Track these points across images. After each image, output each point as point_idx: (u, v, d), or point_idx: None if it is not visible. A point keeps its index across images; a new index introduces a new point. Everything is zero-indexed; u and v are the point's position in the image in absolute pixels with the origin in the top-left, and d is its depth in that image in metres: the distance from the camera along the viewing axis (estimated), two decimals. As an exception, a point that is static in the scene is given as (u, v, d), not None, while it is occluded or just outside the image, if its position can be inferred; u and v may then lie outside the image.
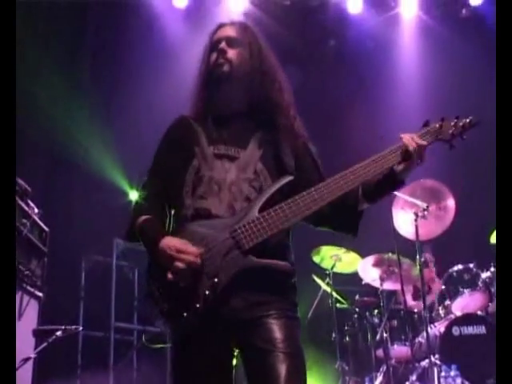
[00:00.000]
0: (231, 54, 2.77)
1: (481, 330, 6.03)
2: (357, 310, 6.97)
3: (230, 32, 2.84)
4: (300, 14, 8.69)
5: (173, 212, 2.69)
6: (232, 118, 2.78)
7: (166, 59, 8.09)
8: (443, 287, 6.58)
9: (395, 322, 6.46)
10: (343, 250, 6.73)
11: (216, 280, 2.41)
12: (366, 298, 7.11)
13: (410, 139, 2.65)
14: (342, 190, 2.56)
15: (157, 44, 8.15)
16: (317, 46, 9.11)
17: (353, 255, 6.79)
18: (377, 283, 6.62)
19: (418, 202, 6.15)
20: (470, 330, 6.02)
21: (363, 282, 6.79)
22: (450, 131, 2.77)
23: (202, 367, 2.46)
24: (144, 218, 2.63)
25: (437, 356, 5.82)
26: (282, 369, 2.35)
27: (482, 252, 6.84)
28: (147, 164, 2.83)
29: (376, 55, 8.82)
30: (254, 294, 2.47)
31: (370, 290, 6.99)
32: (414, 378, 5.72)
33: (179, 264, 2.40)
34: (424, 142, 2.66)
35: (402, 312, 6.50)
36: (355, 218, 2.75)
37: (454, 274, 6.55)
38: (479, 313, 6.27)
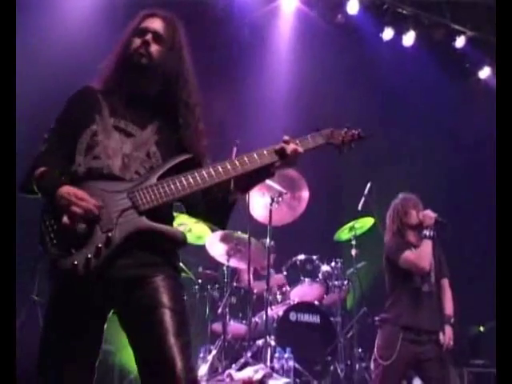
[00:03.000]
0: (154, 49, 2.82)
1: (316, 319, 6.29)
2: (199, 281, 6.92)
3: (158, 26, 2.88)
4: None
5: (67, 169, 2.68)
6: (138, 100, 2.83)
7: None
8: (284, 273, 6.76)
9: (234, 300, 6.53)
10: (194, 220, 6.60)
11: (110, 235, 2.43)
12: (208, 271, 7.10)
13: (289, 143, 2.80)
14: (229, 175, 2.68)
15: None
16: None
17: (203, 227, 6.69)
18: (222, 259, 6.64)
19: (278, 187, 6.27)
20: (306, 317, 6.26)
21: (211, 254, 6.75)
22: (341, 138, 3.02)
23: (72, 325, 2.50)
24: (42, 169, 2.60)
25: (272, 337, 5.96)
26: (170, 324, 2.43)
27: (325, 247, 7.12)
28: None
29: (256, 47, 8.83)
30: (144, 255, 2.54)
31: (211, 264, 6.99)
32: (248, 355, 5.81)
33: (76, 209, 2.41)
34: (300, 150, 2.80)
35: (242, 290, 6.59)
36: (225, 212, 2.84)
37: (298, 262, 6.79)
38: (316, 303, 6.52)
